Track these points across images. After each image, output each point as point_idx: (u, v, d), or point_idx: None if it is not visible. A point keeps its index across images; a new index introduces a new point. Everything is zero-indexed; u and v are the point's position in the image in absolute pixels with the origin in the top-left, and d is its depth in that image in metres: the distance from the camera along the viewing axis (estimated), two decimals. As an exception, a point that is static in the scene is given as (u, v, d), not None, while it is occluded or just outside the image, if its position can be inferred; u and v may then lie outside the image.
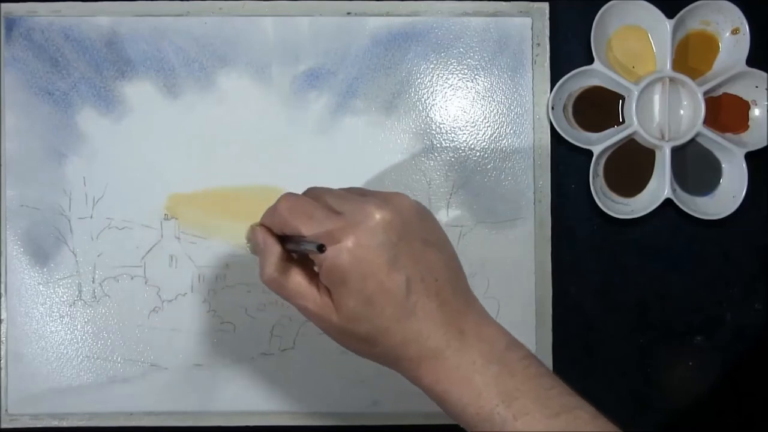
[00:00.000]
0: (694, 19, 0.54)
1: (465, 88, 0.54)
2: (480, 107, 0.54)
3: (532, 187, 0.54)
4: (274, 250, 0.40)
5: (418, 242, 0.39)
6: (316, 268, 0.40)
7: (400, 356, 0.39)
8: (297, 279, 0.40)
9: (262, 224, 0.41)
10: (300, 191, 0.54)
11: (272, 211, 0.40)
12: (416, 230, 0.39)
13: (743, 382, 0.55)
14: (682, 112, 0.54)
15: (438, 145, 0.54)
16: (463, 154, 0.54)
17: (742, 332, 0.55)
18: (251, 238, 0.42)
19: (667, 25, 0.53)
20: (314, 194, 0.41)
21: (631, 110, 0.53)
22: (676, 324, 0.55)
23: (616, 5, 0.53)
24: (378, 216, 0.38)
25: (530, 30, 0.54)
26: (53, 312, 0.53)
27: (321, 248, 0.36)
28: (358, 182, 0.54)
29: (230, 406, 0.53)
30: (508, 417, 0.37)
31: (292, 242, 0.39)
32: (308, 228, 0.38)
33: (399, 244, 0.38)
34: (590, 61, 0.53)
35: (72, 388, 0.53)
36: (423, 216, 0.40)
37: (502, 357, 0.38)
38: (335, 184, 0.53)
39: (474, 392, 0.38)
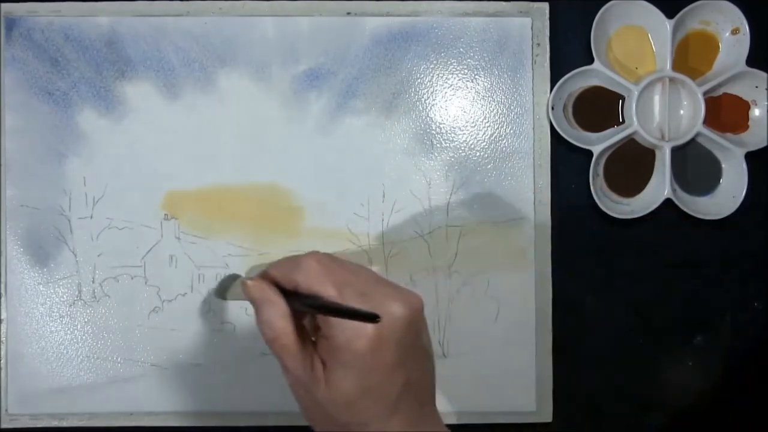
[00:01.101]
0: (694, 19, 0.54)
1: (465, 88, 0.54)
2: (480, 107, 0.54)
3: (532, 187, 0.54)
4: (277, 301, 0.39)
5: (421, 351, 0.40)
6: (314, 338, 0.39)
7: None
8: (295, 339, 0.38)
9: (267, 275, 0.40)
10: (300, 191, 0.54)
11: (295, 265, 0.39)
12: (422, 339, 0.40)
13: (743, 382, 0.55)
14: (682, 112, 0.54)
15: (438, 145, 0.54)
16: (463, 154, 0.54)
17: (742, 332, 0.55)
18: (246, 293, 0.40)
19: (667, 25, 0.53)
20: (333, 264, 0.39)
21: (631, 110, 0.53)
22: (676, 324, 0.55)
23: (616, 5, 0.53)
24: (401, 313, 0.37)
25: (530, 30, 0.54)
26: (53, 312, 0.53)
27: (375, 319, 0.35)
28: (358, 182, 0.54)
29: (230, 406, 0.53)
30: None
31: (308, 301, 0.38)
32: (341, 296, 0.37)
33: (408, 346, 0.38)
34: (590, 61, 0.53)
35: (72, 388, 0.53)
36: (424, 320, 0.41)
37: None
38: (336, 184, 0.53)
39: None
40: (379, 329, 0.36)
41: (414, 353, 0.39)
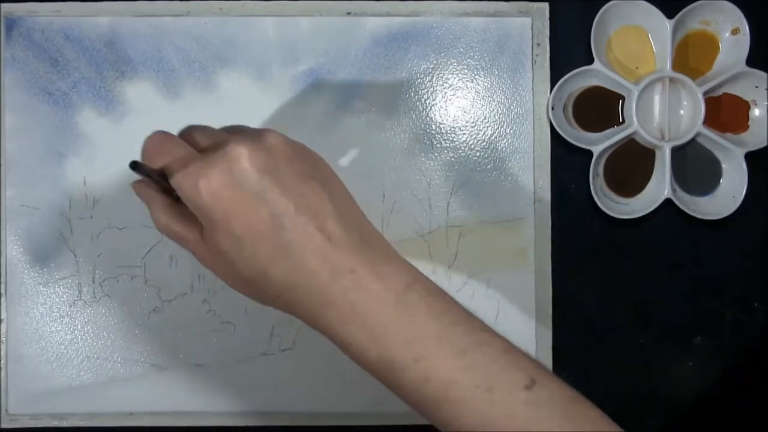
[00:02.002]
0: (694, 19, 0.54)
1: (465, 88, 0.54)
2: (480, 107, 0.54)
3: (532, 187, 0.54)
4: (156, 197, 0.39)
5: (291, 176, 0.36)
6: None
7: (288, 300, 0.36)
8: (174, 225, 0.38)
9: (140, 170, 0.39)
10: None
11: (141, 151, 0.38)
12: (289, 165, 0.36)
13: (743, 382, 0.55)
14: (682, 112, 0.54)
15: (438, 145, 0.54)
16: (463, 154, 0.54)
17: (742, 332, 0.55)
18: (135, 192, 0.40)
19: (667, 25, 0.53)
20: (185, 131, 0.39)
21: (631, 110, 0.53)
22: (676, 324, 0.55)
23: (616, 5, 0.53)
24: (237, 150, 0.35)
25: (530, 30, 0.54)
26: (53, 312, 0.53)
27: (162, 176, 0.35)
28: (358, 182, 0.53)
29: (230, 406, 0.53)
30: (407, 359, 0.35)
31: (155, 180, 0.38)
32: (168, 165, 0.36)
33: (265, 178, 0.35)
34: (590, 61, 0.53)
35: (72, 388, 0.53)
36: (299, 152, 0.38)
37: (402, 296, 0.36)
38: (335, 184, 0.53)
39: (372, 336, 0.35)
40: (214, 175, 0.35)
41: (278, 184, 0.35)
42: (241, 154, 0.35)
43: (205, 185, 0.35)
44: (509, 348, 0.36)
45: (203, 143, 0.38)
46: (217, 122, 0.53)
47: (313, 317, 0.36)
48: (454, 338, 0.35)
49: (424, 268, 0.53)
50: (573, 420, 0.34)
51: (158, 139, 0.38)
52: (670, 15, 0.53)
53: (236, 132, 0.39)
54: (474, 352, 0.35)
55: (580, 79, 0.54)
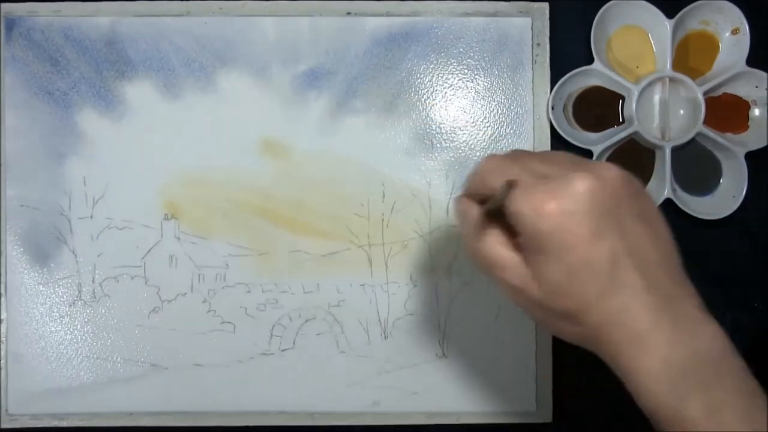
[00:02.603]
0: (694, 19, 0.54)
1: (465, 88, 0.54)
2: (480, 107, 0.54)
3: (532, 187, 0.54)
4: (472, 214, 0.38)
5: (626, 215, 0.36)
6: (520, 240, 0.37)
7: (602, 339, 0.36)
8: (497, 248, 0.37)
9: (463, 194, 0.39)
10: (300, 191, 0.54)
11: (472, 174, 0.38)
12: (624, 203, 0.36)
13: (743, 382, 0.55)
14: (682, 112, 0.54)
15: (438, 145, 0.54)
16: (463, 154, 0.54)
17: (742, 332, 0.55)
18: (454, 208, 0.39)
19: (667, 25, 0.53)
20: (516, 156, 0.38)
21: (631, 110, 0.53)
22: (676, 324, 0.55)
23: (616, 5, 0.53)
24: (583, 184, 0.35)
25: (530, 30, 0.54)
26: (53, 312, 0.53)
27: (510, 186, 0.34)
28: (358, 182, 0.54)
29: (230, 406, 0.53)
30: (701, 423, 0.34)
31: (489, 204, 0.37)
32: (514, 195, 0.35)
33: (604, 215, 0.35)
34: (590, 61, 0.53)
35: (72, 388, 0.53)
36: (632, 189, 0.37)
37: (717, 364, 0.35)
38: (335, 184, 0.53)
39: (677, 395, 0.35)
40: (560, 204, 0.34)
41: (615, 223, 0.35)
42: (587, 187, 0.35)
43: (551, 209, 0.35)
44: None
45: (540, 171, 0.37)
46: (217, 122, 0.54)
47: (618, 360, 0.36)
48: (756, 422, 0.34)
49: (424, 268, 0.53)
50: None
51: (496, 161, 0.38)
52: (670, 15, 0.53)
53: (571, 162, 0.38)
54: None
55: (580, 79, 0.54)
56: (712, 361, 0.35)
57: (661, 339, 0.35)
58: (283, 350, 0.53)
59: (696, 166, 0.54)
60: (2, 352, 0.53)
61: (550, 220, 0.35)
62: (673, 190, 0.53)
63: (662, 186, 0.53)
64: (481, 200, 0.38)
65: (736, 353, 0.36)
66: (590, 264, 0.35)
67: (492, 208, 0.37)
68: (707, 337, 0.36)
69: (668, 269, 0.37)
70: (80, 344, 0.53)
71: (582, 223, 0.35)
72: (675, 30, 0.53)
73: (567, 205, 0.35)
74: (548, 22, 0.54)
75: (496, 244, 0.37)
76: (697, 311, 0.37)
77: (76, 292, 0.53)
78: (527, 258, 0.36)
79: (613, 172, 0.36)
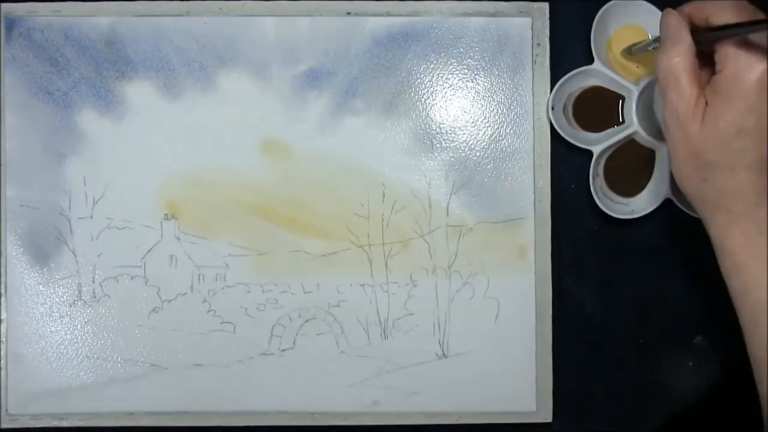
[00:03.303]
0: (694, 19, 0.54)
1: (465, 88, 0.54)
2: (480, 107, 0.54)
3: (532, 187, 0.54)
4: (686, 37, 0.39)
5: None
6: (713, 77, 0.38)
7: (723, 206, 0.38)
8: (691, 75, 0.38)
9: (683, 12, 0.40)
10: (300, 190, 0.54)
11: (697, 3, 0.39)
12: None
13: (743, 382, 0.55)
14: (682, 112, 0.54)
15: (438, 145, 0.54)
16: (463, 154, 0.54)
17: (742, 332, 0.55)
18: (663, 22, 0.41)
19: (667, 25, 0.53)
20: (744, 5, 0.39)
21: (631, 110, 0.53)
22: (676, 324, 0.55)
23: (616, 5, 0.53)
24: None
25: (530, 30, 0.54)
26: (53, 312, 0.53)
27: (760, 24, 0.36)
28: (358, 182, 0.54)
29: (230, 406, 0.53)
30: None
31: (711, 33, 0.38)
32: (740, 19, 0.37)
33: None
34: (590, 61, 0.53)
35: (72, 388, 0.53)
36: None
37: None
38: (335, 184, 0.53)
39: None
40: None
41: None
42: None
43: (762, 67, 0.36)
44: None
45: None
46: (217, 122, 0.54)
47: (727, 232, 0.39)
48: None
49: (424, 268, 0.53)
50: None
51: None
52: (670, 15, 0.53)
53: None
54: None
55: (580, 79, 0.54)
56: None
57: None
58: (283, 350, 0.53)
59: (696, 166, 0.54)
60: (2, 352, 0.53)
61: (756, 74, 0.36)
62: (673, 190, 0.53)
63: (662, 186, 0.53)
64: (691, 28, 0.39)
65: None
66: (760, 134, 0.36)
67: (713, 37, 0.38)
68: None
69: None
70: (80, 344, 0.53)
71: None
72: (675, 30, 0.53)
73: None
74: (548, 22, 0.54)
75: (691, 70, 0.38)
76: None
77: (76, 292, 0.53)
78: (709, 97, 0.37)
79: None
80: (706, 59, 0.41)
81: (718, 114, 0.37)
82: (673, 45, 0.39)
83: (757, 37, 0.37)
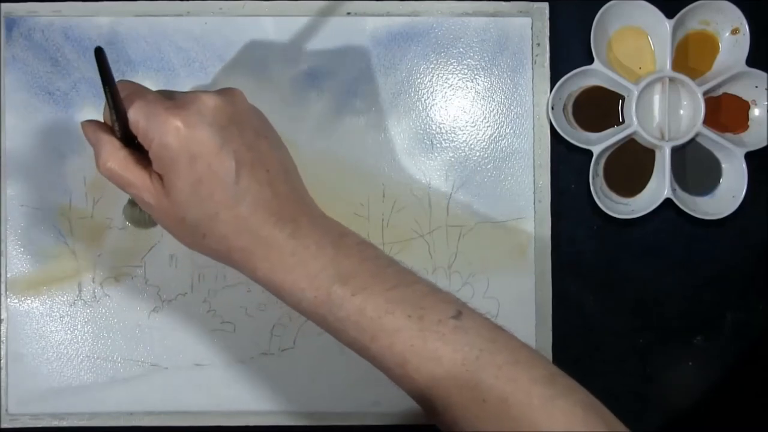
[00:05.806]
0: (694, 19, 0.54)
1: (465, 88, 0.54)
2: (480, 107, 0.54)
3: (532, 187, 0.54)
4: (106, 139, 0.40)
5: (250, 132, 0.39)
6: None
7: (232, 246, 0.39)
8: (130, 167, 0.39)
9: (90, 120, 0.41)
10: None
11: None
12: (249, 121, 0.40)
13: (743, 382, 0.55)
14: (682, 112, 0.54)
15: (438, 145, 0.54)
16: (463, 154, 0.54)
17: (742, 332, 0.55)
18: (84, 133, 0.41)
19: (667, 25, 0.53)
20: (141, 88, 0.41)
21: (631, 110, 0.53)
22: (676, 324, 0.55)
23: (616, 5, 0.53)
24: (208, 101, 0.38)
25: (530, 30, 0.54)
26: (53, 312, 0.53)
27: (117, 107, 0.37)
28: (358, 182, 0.54)
29: (230, 406, 0.53)
30: (345, 294, 0.38)
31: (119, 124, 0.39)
32: (136, 109, 0.38)
33: (229, 128, 0.38)
34: (590, 61, 0.53)
35: (72, 388, 0.53)
36: (257, 113, 0.42)
37: (338, 242, 0.39)
38: (335, 184, 0.53)
39: (310, 276, 0.38)
40: (185, 119, 0.37)
41: (239, 137, 0.38)
42: (213, 102, 0.38)
43: (175, 123, 0.37)
44: (436, 287, 0.40)
45: (169, 95, 0.40)
46: (217, 122, 0.53)
47: (252, 264, 0.39)
48: (387, 276, 0.39)
49: (424, 268, 0.53)
50: (496, 342, 0.38)
51: (128, 82, 0.40)
52: (669, 15, 0.53)
53: (197, 90, 0.41)
54: (405, 288, 0.38)
55: (580, 79, 0.54)
56: (332, 242, 0.39)
57: (284, 236, 0.38)
58: (283, 350, 0.53)
59: (696, 166, 0.54)
60: (2, 352, 0.53)
61: (176, 134, 0.37)
62: (673, 190, 0.53)
63: (662, 186, 0.53)
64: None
65: (353, 233, 0.41)
66: (215, 174, 0.37)
67: (116, 126, 0.39)
68: (325, 226, 0.40)
69: (288, 182, 0.40)
70: (80, 344, 0.53)
71: (207, 136, 0.37)
72: (675, 30, 0.53)
73: (192, 117, 0.37)
74: (548, 22, 0.54)
75: (126, 164, 0.39)
76: (314, 211, 0.41)
77: (76, 292, 0.53)
78: (159, 171, 0.38)
79: (239, 94, 0.41)
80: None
81: (173, 179, 0.38)
82: (100, 151, 0.40)
83: (153, 100, 0.38)
